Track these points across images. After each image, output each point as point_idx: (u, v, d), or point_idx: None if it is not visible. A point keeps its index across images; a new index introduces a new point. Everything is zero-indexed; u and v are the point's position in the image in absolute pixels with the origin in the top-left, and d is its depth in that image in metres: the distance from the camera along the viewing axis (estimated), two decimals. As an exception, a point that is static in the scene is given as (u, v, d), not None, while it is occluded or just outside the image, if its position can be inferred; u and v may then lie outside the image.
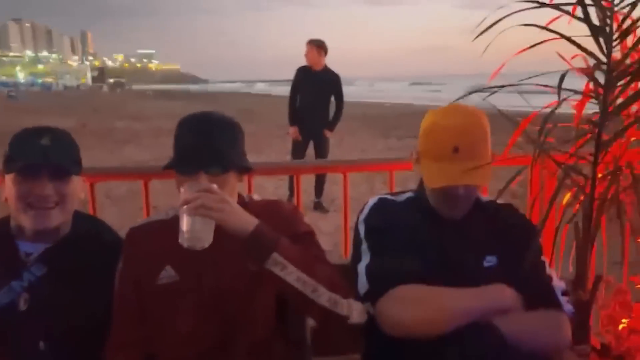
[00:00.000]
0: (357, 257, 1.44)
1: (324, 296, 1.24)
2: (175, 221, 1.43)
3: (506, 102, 1.51)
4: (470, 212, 1.45)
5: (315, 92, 5.93)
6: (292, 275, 1.21)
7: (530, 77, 1.45)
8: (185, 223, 1.17)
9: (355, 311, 1.29)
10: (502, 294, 1.32)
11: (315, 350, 1.59)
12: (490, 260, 1.41)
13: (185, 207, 1.17)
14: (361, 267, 1.39)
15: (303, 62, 5.98)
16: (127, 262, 1.41)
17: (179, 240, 1.19)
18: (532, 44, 1.42)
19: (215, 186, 1.22)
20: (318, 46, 5.92)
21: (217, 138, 1.33)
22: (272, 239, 1.22)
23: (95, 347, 1.33)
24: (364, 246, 1.43)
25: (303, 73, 6.01)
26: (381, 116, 19.44)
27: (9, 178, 1.38)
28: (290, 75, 6.14)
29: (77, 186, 1.44)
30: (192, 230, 1.17)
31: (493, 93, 1.40)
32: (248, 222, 1.22)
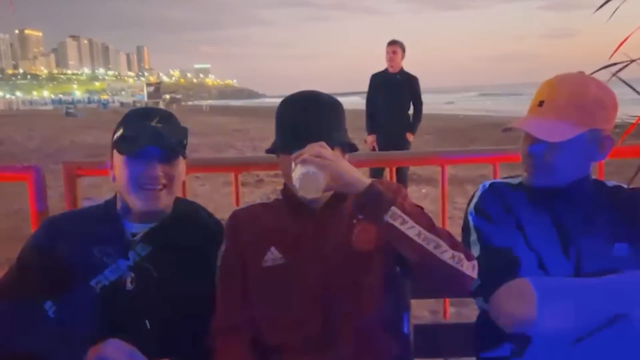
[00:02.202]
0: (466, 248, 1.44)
1: (447, 253, 1.25)
2: (277, 204, 1.51)
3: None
4: (596, 196, 1.43)
5: (395, 96, 6.02)
6: (413, 229, 1.23)
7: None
8: (298, 171, 1.22)
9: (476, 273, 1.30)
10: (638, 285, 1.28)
11: (418, 352, 1.60)
12: (620, 249, 1.37)
13: (301, 157, 1.22)
14: None
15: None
16: (232, 244, 1.48)
17: (293, 183, 1.23)
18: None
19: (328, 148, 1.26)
20: (402, 47, 6.04)
21: (322, 115, 1.40)
22: (389, 193, 1.25)
23: (200, 329, 1.42)
24: (474, 237, 1.43)
25: (380, 77, 6.13)
26: (456, 129, 19.17)
27: (119, 159, 1.49)
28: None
29: (183, 168, 1.55)
30: (306, 176, 1.21)
31: (624, 67, 1.38)
32: (362, 178, 1.25)
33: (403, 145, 6.03)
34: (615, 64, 1.40)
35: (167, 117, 1.53)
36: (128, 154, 1.47)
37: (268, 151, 1.48)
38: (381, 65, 6.22)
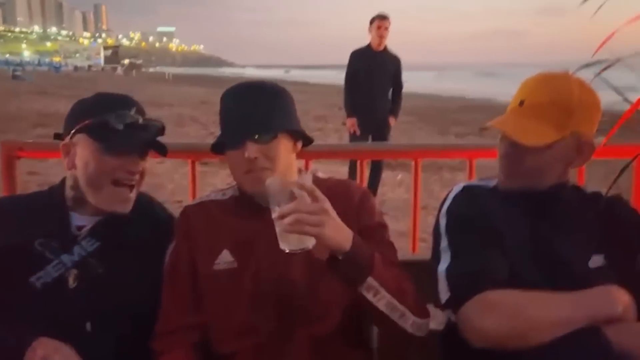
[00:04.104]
0: (436, 256, 1.46)
1: (409, 321, 1.33)
2: (233, 202, 1.50)
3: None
4: (574, 204, 1.46)
5: (377, 77, 5.95)
6: (383, 300, 1.28)
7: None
8: (280, 236, 1.20)
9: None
10: (611, 299, 1.30)
11: (381, 357, 1.63)
12: (597, 261, 1.40)
13: (279, 222, 1.18)
14: (441, 270, 1.40)
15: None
16: (182, 242, 1.48)
17: (280, 246, 1.21)
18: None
19: (308, 185, 1.21)
20: (389, 22, 5.91)
21: (261, 103, 1.41)
22: (368, 257, 1.26)
23: (143, 332, 1.41)
24: (444, 244, 1.44)
25: (361, 56, 6.02)
26: (438, 110, 19.30)
27: (89, 147, 1.44)
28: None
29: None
30: (290, 243, 1.20)
31: (608, 67, 1.40)
32: (346, 236, 1.24)
33: (385, 130, 6.04)
34: (598, 62, 1.41)
35: (140, 108, 1.52)
36: (110, 144, 1.43)
37: (214, 148, 1.48)
38: (362, 38, 6.14)
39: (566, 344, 1.26)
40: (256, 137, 1.37)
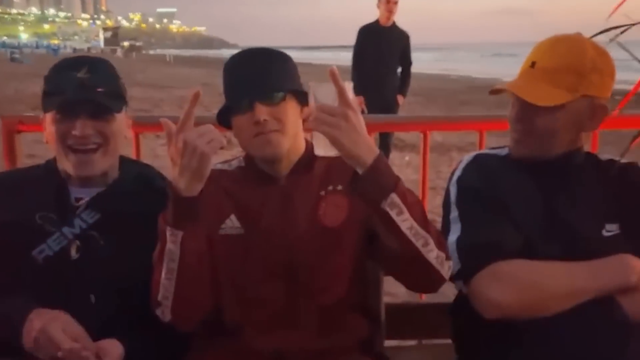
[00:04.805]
0: (446, 226, 1.46)
1: (433, 252, 1.26)
2: (239, 171, 1.50)
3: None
4: (587, 171, 1.46)
5: (386, 53, 5.91)
6: (406, 222, 1.21)
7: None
8: (315, 138, 1.21)
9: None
10: (626, 267, 1.31)
11: (389, 332, 1.64)
12: (610, 229, 1.40)
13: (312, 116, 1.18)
14: (451, 240, 1.40)
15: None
16: None
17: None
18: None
19: (345, 93, 1.18)
20: None
21: (268, 65, 1.41)
22: (391, 175, 1.22)
23: (149, 302, 1.39)
24: (454, 214, 1.45)
25: (369, 32, 5.96)
26: (447, 90, 19.22)
27: (48, 117, 1.46)
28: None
29: (122, 125, 1.52)
30: (318, 146, 1.20)
31: (624, 31, 1.39)
32: (369, 149, 1.18)
33: (393, 107, 6.02)
34: (614, 27, 1.40)
35: (98, 66, 1.49)
36: (52, 110, 1.43)
37: (219, 117, 1.47)
38: (370, 15, 6.09)
39: (580, 314, 1.27)
40: (266, 98, 1.37)
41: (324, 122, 1.15)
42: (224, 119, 1.47)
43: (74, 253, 1.43)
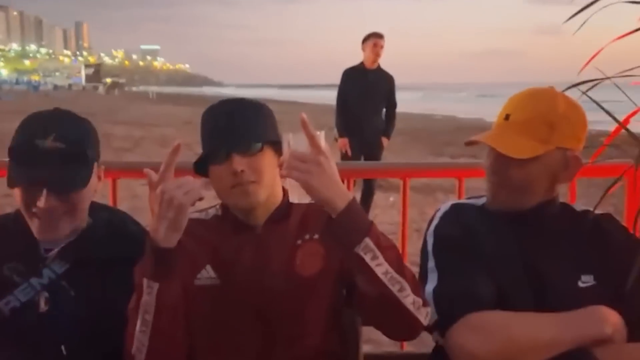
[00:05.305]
0: (424, 276, 1.47)
1: (409, 297, 1.27)
2: (215, 220, 1.52)
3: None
4: (563, 222, 1.49)
5: (371, 96, 6.01)
6: (381, 267, 1.23)
7: (632, 69, 1.49)
8: (289, 187, 1.26)
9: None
10: (600, 319, 1.32)
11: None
12: (586, 280, 1.42)
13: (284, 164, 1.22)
14: (428, 290, 1.41)
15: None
16: None
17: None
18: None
19: (319, 142, 1.21)
20: (384, 40, 5.98)
21: (244, 116, 1.45)
22: (365, 220, 1.24)
23: (123, 351, 1.38)
24: (431, 264, 1.46)
25: (354, 74, 6.07)
26: (431, 130, 19.45)
27: None
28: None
29: (91, 188, 1.48)
30: (292, 194, 1.24)
31: (594, 86, 1.45)
32: (342, 193, 1.22)
33: (378, 150, 6.09)
34: (584, 82, 1.46)
35: (68, 129, 1.44)
36: (17, 187, 1.40)
37: (196, 167, 1.49)
38: (355, 56, 6.20)
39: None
40: (243, 149, 1.39)
41: (295, 168, 1.18)
42: (200, 168, 1.49)
43: (42, 305, 1.41)
